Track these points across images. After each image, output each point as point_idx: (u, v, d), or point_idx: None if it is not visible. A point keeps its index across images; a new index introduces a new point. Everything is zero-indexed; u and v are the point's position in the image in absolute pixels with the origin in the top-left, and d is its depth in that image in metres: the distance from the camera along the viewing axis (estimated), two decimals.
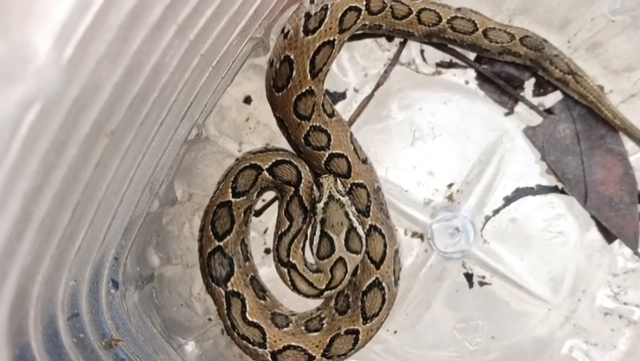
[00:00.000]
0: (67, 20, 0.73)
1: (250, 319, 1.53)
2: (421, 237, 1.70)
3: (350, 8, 1.51)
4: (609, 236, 1.69)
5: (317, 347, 1.55)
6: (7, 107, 0.70)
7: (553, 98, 1.70)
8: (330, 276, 1.56)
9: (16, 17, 0.69)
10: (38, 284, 1.00)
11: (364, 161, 1.60)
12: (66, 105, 0.80)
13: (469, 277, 1.70)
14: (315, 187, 1.55)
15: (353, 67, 1.71)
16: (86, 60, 0.80)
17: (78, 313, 1.16)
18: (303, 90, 1.51)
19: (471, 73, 1.71)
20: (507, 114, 1.71)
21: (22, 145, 0.75)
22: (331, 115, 1.58)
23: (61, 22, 0.72)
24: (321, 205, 1.52)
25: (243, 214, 1.58)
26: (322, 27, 1.49)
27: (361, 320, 1.55)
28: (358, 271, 1.58)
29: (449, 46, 1.69)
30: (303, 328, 1.58)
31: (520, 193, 1.70)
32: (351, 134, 1.61)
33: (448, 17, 1.60)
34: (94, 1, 0.76)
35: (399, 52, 1.71)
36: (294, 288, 1.59)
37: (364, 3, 1.54)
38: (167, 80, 1.10)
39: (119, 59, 0.91)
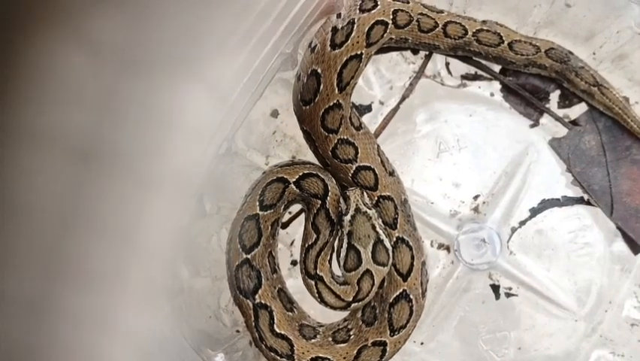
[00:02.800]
0: None
1: (278, 331, 1.54)
2: (447, 248, 1.71)
3: (377, 22, 1.53)
4: (635, 247, 1.69)
5: (344, 358, 1.55)
6: None
7: (578, 110, 1.70)
8: (357, 288, 1.56)
9: None
10: None
11: (391, 173, 1.61)
12: None
13: (495, 288, 1.70)
14: (341, 200, 1.56)
15: (378, 80, 1.72)
16: None
17: None
18: (331, 104, 1.52)
19: (496, 85, 1.72)
20: (532, 126, 1.71)
21: None
22: (358, 128, 1.59)
23: None
24: (348, 218, 1.52)
25: (270, 227, 1.59)
26: (349, 41, 1.50)
27: (388, 331, 1.56)
28: (385, 284, 1.58)
29: (474, 58, 1.70)
30: (330, 339, 1.59)
31: (546, 205, 1.71)
32: (378, 146, 1.62)
33: (474, 30, 1.61)
34: None
35: (424, 65, 1.72)
36: (321, 300, 1.59)
37: (391, 17, 1.55)
38: None
39: None
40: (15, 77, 0.61)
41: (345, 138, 1.56)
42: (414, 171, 1.71)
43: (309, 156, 1.65)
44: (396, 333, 1.56)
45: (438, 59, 1.72)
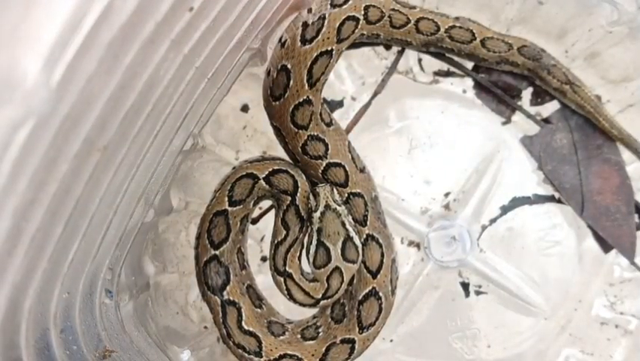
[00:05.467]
0: (56, 41, 0.73)
1: (246, 327, 1.53)
2: (418, 246, 1.70)
3: (348, 18, 1.51)
4: (606, 246, 1.69)
5: (313, 355, 1.55)
6: None
7: (550, 108, 1.70)
8: (326, 285, 1.56)
9: (4, 40, 0.69)
10: (30, 298, 1.00)
11: (362, 170, 1.60)
12: (56, 124, 0.81)
13: (465, 286, 1.70)
14: (311, 196, 1.55)
15: (351, 75, 1.71)
16: (76, 79, 0.81)
17: (71, 326, 1.16)
18: (301, 100, 1.51)
19: (468, 82, 1.71)
20: (504, 123, 1.71)
21: (11, 165, 0.75)
22: (329, 124, 1.58)
23: (50, 42, 0.72)
24: (317, 215, 1.52)
25: (239, 223, 1.58)
26: (320, 37, 1.49)
27: (357, 329, 1.55)
28: (355, 281, 1.58)
29: (447, 55, 1.69)
30: (299, 336, 1.58)
31: (516, 202, 1.70)
32: (349, 143, 1.61)
33: (446, 26, 1.60)
34: (83, 20, 0.76)
35: (396, 60, 1.71)
36: (290, 297, 1.58)
37: (362, 12, 1.53)
38: (161, 93, 1.10)
39: (111, 76, 0.91)
40: None
41: (316, 134, 1.55)
42: (385, 167, 1.70)
43: (281, 152, 1.64)
44: (365, 330, 1.55)
45: (410, 55, 1.71)
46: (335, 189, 1.54)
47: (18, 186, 0.81)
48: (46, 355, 1.06)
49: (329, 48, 1.50)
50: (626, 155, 1.67)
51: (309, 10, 1.52)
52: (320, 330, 1.59)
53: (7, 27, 0.69)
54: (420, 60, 1.71)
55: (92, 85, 0.85)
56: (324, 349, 1.55)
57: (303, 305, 1.59)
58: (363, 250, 1.56)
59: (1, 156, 0.73)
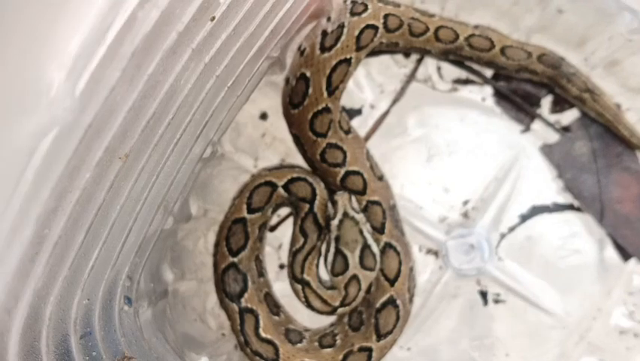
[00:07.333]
0: (81, 51, 0.74)
1: (263, 335, 1.54)
2: (436, 254, 1.70)
3: (367, 26, 1.52)
4: (625, 254, 1.68)
5: None
6: (21, 138, 0.71)
7: (570, 116, 1.69)
8: (344, 293, 1.56)
9: (30, 51, 0.70)
10: (51, 305, 1.01)
11: (380, 178, 1.60)
12: (79, 133, 0.81)
13: (483, 294, 1.69)
14: (329, 204, 1.55)
15: (369, 83, 1.71)
16: (99, 88, 0.81)
17: (91, 332, 1.16)
18: (320, 108, 1.51)
19: (488, 90, 1.71)
20: (523, 131, 1.70)
21: (35, 173, 0.76)
22: (347, 132, 1.58)
23: (75, 53, 0.73)
24: (335, 222, 1.52)
25: (257, 231, 1.58)
26: (339, 45, 1.49)
27: (375, 337, 1.55)
28: (372, 289, 1.58)
29: (466, 63, 1.69)
30: (316, 344, 1.59)
31: (536, 211, 1.70)
32: (367, 151, 1.61)
33: (466, 35, 1.60)
34: (107, 31, 0.77)
35: (415, 68, 1.71)
36: (308, 305, 1.59)
37: (381, 21, 1.54)
38: (181, 101, 1.10)
39: (133, 85, 0.91)
40: None
41: (334, 142, 1.55)
42: (403, 175, 1.70)
43: (299, 159, 1.64)
44: (382, 339, 1.55)
45: (429, 63, 1.71)
46: (353, 197, 1.54)
47: (41, 194, 0.81)
48: (66, 360, 1.07)
49: (348, 56, 1.51)
50: None
51: (329, 19, 1.52)
52: (337, 338, 1.59)
53: (33, 38, 0.70)
54: (439, 68, 1.71)
55: (115, 94, 0.86)
56: (341, 357, 1.55)
57: (321, 313, 1.59)
58: (380, 257, 1.56)
59: (25, 164, 0.74)
